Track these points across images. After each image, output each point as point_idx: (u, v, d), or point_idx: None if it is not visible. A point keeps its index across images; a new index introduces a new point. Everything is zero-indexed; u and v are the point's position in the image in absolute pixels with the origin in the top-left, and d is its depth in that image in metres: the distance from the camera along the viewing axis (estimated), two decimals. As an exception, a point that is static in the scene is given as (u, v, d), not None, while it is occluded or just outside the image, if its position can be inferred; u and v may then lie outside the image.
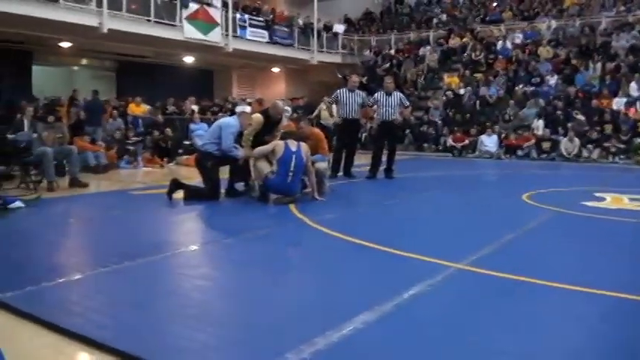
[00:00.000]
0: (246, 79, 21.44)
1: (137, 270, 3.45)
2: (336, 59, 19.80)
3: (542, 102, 14.49)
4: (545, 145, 13.14)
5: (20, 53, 14.64)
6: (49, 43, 14.28)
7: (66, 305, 2.80)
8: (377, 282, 3.24)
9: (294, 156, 5.83)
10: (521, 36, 17.51)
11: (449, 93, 16.47)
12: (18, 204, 5.60)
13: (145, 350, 2.23)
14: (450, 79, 17.09)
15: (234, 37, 15.78)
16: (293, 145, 5.92)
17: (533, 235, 4.69)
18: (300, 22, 18.76)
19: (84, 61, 17.60)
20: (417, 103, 16.30)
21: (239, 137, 6.41)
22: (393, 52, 19.49)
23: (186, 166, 10.24)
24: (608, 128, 12.85)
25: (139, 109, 13.12)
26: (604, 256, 3.98)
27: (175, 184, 6.21)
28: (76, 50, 15.31)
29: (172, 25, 13.96)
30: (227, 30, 15.45)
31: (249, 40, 16.41)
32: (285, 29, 17.93)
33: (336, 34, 19.98)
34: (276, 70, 20.47)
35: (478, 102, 15.87)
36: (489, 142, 13.79)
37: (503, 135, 13.96)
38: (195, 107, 14.29)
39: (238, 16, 16.12)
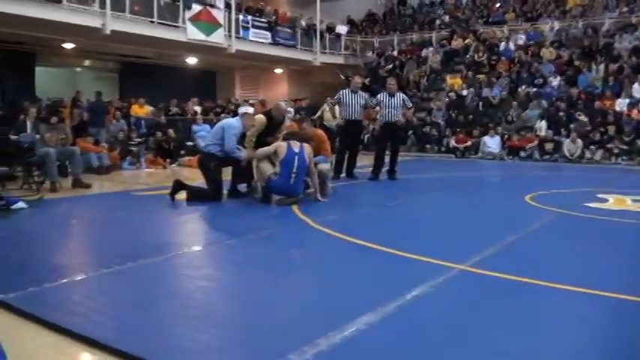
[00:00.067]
0: (248, 80, 21.44)
1: (140, 271, 3.45)
2: (339, 60, 19.77)
3: (544, 103, 14.48)
4: (548, 147, 13.13)
5: (23, 54, 14.66)
6: (52, 44, 14.30)
7: (68, 306, 2.80)
8: (379, 283, 3.24)
9: (296, 157, 5.84)
10: (523, 37, 17.47)
11: (451, 94, 16.46)
12: (21, 205, 5.62)
13: (147, 351, 2.23)
14: (453, 81, 17.06)
15: (237, 38, 15.77)
16: (296, 146, 5.92)
17: (535, 236, 4.67)
18: (303, 23, 18.73)
19: (87, 63, 17.61)
20: (420, 105, 16.27)
21: (242, 138, 6.39)
22: (395, 53, 19.48)
23: (189, 167, 10.25)
24: (611, 129, 12.82)
25: (141, 110, 13.17)
26: (607, 257, 3.97)
27: (178, 185, 6.22)
28: (79, 51, 15.33)
29: (175, 26, 13.95)
30: (230, 31, 15.44)
31: (252, 41, 16.40)
32: (288, 30, 17.91)
33: (338, 36, 19.96)
34: (278, 71, 20.46)
35: (481, 103, 15.85)
36: (492, 143, 13.79)
37: (505, 136, 13.97)
38: (197, 108, 14.33)
39: (241, 17, 16.11)
